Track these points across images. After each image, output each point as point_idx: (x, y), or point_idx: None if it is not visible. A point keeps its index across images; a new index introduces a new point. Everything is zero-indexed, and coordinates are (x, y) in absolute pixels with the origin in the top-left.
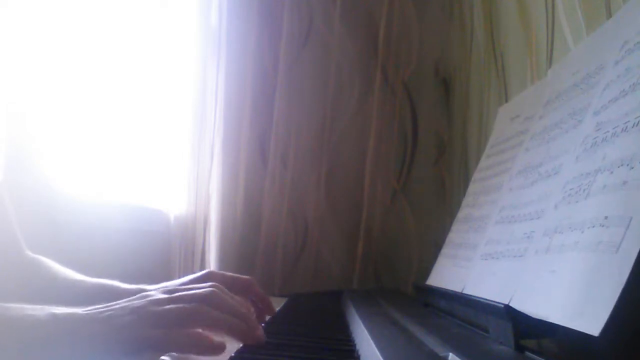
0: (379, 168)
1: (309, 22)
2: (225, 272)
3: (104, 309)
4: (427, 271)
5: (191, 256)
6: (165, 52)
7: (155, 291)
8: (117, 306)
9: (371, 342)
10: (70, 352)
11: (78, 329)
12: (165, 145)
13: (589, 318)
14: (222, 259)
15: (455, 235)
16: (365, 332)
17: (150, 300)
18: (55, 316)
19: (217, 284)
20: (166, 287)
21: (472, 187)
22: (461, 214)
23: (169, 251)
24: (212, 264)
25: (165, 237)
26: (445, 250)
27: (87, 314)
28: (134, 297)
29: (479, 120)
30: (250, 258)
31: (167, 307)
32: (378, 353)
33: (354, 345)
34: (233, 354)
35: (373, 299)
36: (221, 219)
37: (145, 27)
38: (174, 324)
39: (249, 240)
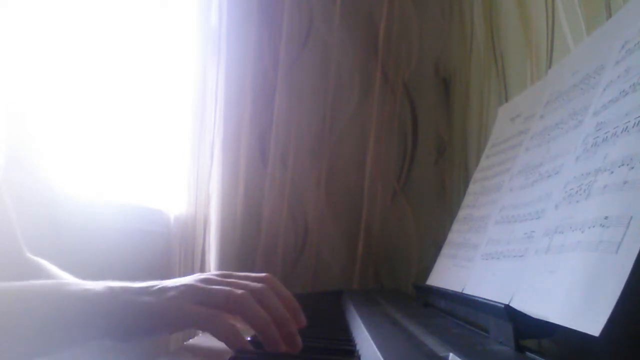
0: (379, 168)
1: (309, 22)
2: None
3: (155, 284)
4: (427, 271)
5: (191, 256)
6: (165, 52)
7: (210, 274)
8: (168, 282)
9: (371, 342)
10: (125, 322)
11: (131, 301)
12: (165, 145)
13: (589, 318)
14: (222, 259)
15: (455, 235)
16: (366, 332)
17: (202, 278)
18: (111, 289)
19: (273, 279)
20: (222, 273)
21: (472, 187)
22: (461, 214)
23: (169, 251)
24: (212, 264)
25: (165, 237)
26: (445, 250)
27: (140, 287)
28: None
29: (479, 120)
30: (250, 258)
31: (217, 287)
32: (378, 353)
33: (354, 345)
34: (233, 354)
35: (373, 299)
36: (221, 219)
37: (145, 27)
38: (217, 304)
39: (249, 240)
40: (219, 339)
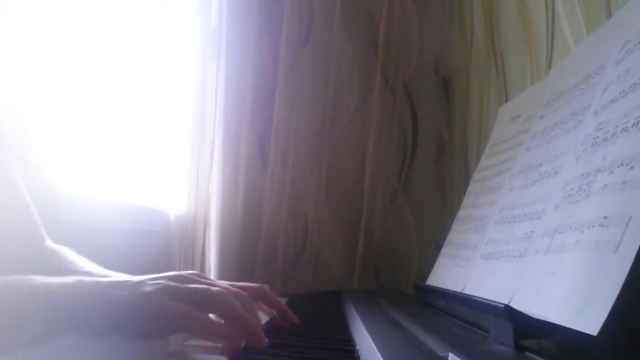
0: (379, 168)
1: (309, 22)
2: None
3: (130, 279)
4: (427, 271)
5: (191, 256)
6: (165, 52)
7: (186, 273)
8: (143, 277)
9: (371, 342)
10: (94, 315)
11: (102, 294)
12: (165, 145)
13: (588, 317)
14: (222, 259)
15: (455, 235)
16: (365, 332)
17: (177, 275)
18: (81, 282)
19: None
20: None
21: (472, 187)
22: (461, 214)
23: (169, 251)
24: (212, 264)
25: (165, 237)
26: (445, 250)
27: (111, 281)
28: (161, 274)
29: (479, 120)
30: (250, 258)
31: (193, 285)
32: (378, 353)
33: (354, 345)
34: (233, 354)
35: (373, 299)
36: (221, 219)
37: (145, 27)
38: (196, 302)
39: (249, 240)
40: (196, 335)
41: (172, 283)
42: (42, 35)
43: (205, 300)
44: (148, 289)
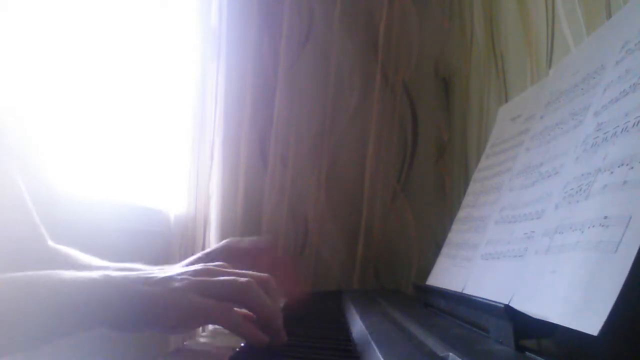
0: (379, 168)
1: (309, 22)
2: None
3: (156, 274)
4: (427, 271)
5: (191, 256)
6: (165, 52)
7: (208, 265)
8: (171, 271)
9: (371, 342)
10: (122, 311)
11: (130, 290)
12: (165, 145)
13: (588, 318)
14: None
15: (455, 235)
16: (365, 332)
17: (202, 268)
18: (109, 277)
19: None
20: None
21: (472, 187)
22: (461, 214)
23: (169, 251)
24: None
25: (165, 237)
26: (445, 250)
27: (139, 276)
28: (186, 266)
29: (479, 120)
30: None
31: (220, 278)
32: (378, 353)
33: (354, 345)
34: (233, 353)
35: (373, 299)
36: (221, 219)
37: (145, 27)
38: (223, 295)
39: None
40: (233, 332)
41: (200, 278)
42: (42, 35)
43: (234, 293)
44: (177, 284)
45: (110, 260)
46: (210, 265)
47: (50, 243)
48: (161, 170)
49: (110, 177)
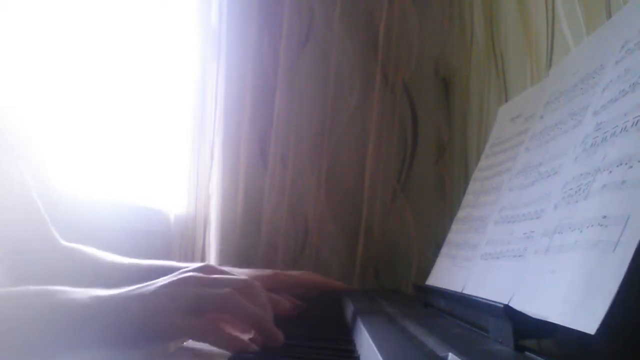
0: (379, 168)
1: (309, 22)
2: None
3: (141, 290)
4: (427, 271)
5: (191, 256)
6: (165, 52)
7: (192, 272)
8: (153, 287)
9: (371, 342)
10: (112, 331)
11: (122, 308)
12: (165, 145)
13: (586, 317)
14: (222, 259)
15: (455, 235)
16: (365, 332)
17: (185, 278)
18: (95, 299)
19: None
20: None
21: (472, 187)
22: (461, 213)
23: (169, 251)
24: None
25: (165, 237)
26: (445, 250)
27: (126, 295)
28: (171, 276)
29: (479, 120)
30: (250, 258)
31: (203, 292)
32: (378, 353)
33: (354, 345)
34: (232, 354)
35: (373, 299)
36: (221, 219)
37: (145, 27)
38: (208, 309)
39: (249, 240)
40: (221, 348)
41: (184, 290)
42: (43, 35)
43: (217, 306)
44: (160, 305)
45: None
46: (192, 273)
47: (64, 243)
48: (161, 170)
49: (110, 177)
